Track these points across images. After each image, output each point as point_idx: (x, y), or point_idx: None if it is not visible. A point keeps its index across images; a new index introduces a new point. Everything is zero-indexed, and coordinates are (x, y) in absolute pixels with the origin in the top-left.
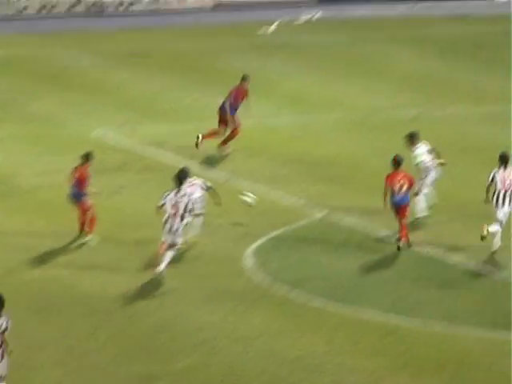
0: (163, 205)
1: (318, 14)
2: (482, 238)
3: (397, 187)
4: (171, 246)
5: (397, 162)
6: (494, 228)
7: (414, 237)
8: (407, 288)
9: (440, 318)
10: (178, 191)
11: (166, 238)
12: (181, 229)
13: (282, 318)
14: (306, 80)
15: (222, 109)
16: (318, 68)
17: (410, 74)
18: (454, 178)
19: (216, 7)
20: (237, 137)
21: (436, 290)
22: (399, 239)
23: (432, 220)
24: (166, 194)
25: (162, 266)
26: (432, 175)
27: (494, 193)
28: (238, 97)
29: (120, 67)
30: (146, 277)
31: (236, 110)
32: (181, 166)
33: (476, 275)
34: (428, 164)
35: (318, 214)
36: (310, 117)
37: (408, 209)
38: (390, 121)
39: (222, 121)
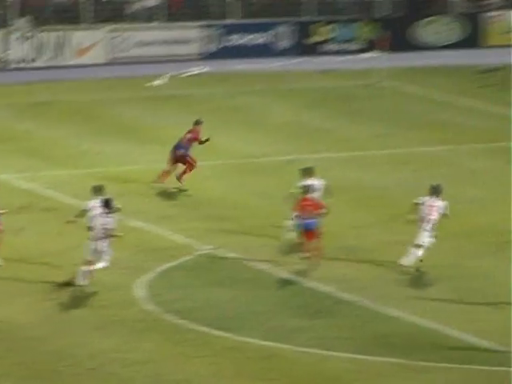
0: (91, 227)
1: (203, 68)
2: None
3: (305, 212)
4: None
5: (306, 189)
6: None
7: (290, 268)
8: (284, 316)
9: (314, 343)
10: (107, 213)
11: (92, 257)
12: (107, 248)
13: (170, 345)
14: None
15: (175, 149)
16: (202, 117)
17: (284, 124)
18: None
19: (109, 62)
20: (192, 171)
21: (310, 318)
22: (307, 255)
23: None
24: (90, 208)
25: (82, 281)
26: None
27: (420, 219)
28: (191, 138)
29: (23, 118)
30: (48, 305)
31: (188, 149)
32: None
33: (346, 303)
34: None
35: (204, 250)
36: (198, 162)
37: (317, 231)
38: (267, 166)
39: (175, 160)
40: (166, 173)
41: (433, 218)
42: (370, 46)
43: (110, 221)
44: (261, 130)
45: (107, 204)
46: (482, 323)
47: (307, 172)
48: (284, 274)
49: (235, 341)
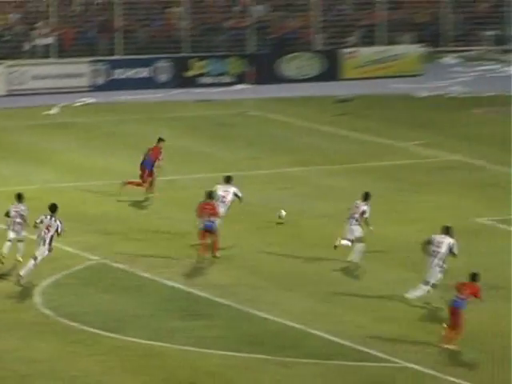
0: (40, 223)
1: (91, 99)
2: (335, 247)
3: (205, 214)
4: (35, 258)
5: (208, 195)
6: (344, 242)
7: (170, 274)
8: (166, 318)
9: (192, 342)
10: (51, 217)
11: (39, 251)
12: (48, 244)
13: (63, 345)
14: (83, 152)
15: (142, 165)
16: (91, 143)
17: (165, 148)
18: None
19: (8, 94)
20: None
21: (189, 320)
22: (214, 253)
23: (187, 260)
24: (42, 217)
25: (26, 272)
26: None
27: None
28: (154, 155)
29: None
30: None
31: (153, 165)
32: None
33: (220, 306)
34: (224, 201)
35: (94, 260)
36: (86, 182)
37: (217, 230)
38: None
39: (143, 174)
40: (135, 183)
41: (357, 216)
42: (239, 79)
43: (56, 224)
44: (142, 153)
45: (53, 209)
46: (341, 324)
47: (226, 180)
48: (166, 280)
49: (122, 340)
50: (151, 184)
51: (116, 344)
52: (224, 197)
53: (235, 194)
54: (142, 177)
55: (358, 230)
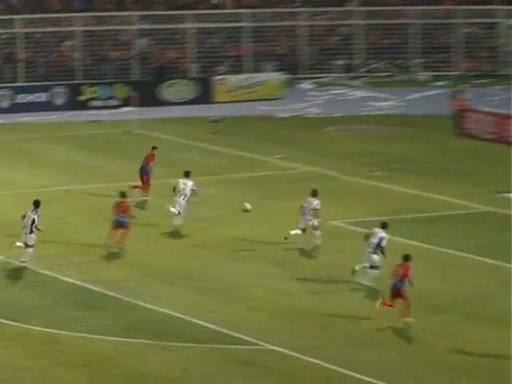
0: (25, 216)
1: None
2: (285, 237)
3: (119, 211)
4: (27, 245)
5: (122, 195)
6: (297, 232)
7: (68, 271)
8: (63, 309)
9: (87, 330)
10: (32, 211)
11: (23, 239)
12: (33, 235)
13: None
14: None
15: (141, 170)
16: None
17: (61, 162)
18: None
19: None
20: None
21: (84, 311)
22: (122, 243)
23: (83, 259)
24: (28, 211)
25: (27, 258)
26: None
27: (302, 213)
28: (148, 161)
29: None
30: None
31: (148, 169)
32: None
33: (111, 299)
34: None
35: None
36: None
37: (129, 226)
38: (49, 194)
39: (142, 178)
40: (140, 187)
41: (318, 210)
42: (125, 103)
43: (33, 217)
44: (43, 167)
45: (37, 204)
46: (218, 313)
47: (185, 174)
48: (64, 277)
49: (25, 328)
50: (140, 187)
51: (19, 332)
52: (183, 189)
53: (191, 188)
54: (142, 181)
55: (314, 221)
